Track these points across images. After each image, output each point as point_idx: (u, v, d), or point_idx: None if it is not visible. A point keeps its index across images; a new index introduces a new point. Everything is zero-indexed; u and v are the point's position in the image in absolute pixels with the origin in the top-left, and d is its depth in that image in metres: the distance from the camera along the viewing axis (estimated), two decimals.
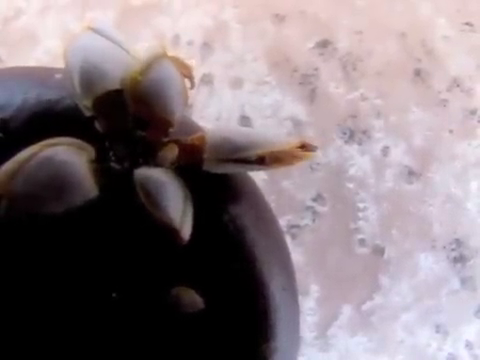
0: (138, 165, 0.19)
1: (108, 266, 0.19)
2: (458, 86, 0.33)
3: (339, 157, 0.32)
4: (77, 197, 0.18)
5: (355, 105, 0.33)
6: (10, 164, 0.18)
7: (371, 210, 0.32)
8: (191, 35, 0.34)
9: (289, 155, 0.20)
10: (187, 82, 0.20)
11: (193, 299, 0.19)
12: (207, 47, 0.33)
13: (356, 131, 0.32)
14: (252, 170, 0.21)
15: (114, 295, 0.19)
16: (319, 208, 0.32)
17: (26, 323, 0.19)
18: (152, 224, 0.18)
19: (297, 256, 0.31)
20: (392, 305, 0.31)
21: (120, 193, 0.19)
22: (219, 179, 0.20)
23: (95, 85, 0.19)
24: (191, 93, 0.21)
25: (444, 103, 0.33)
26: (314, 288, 0.31)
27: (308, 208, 0.32)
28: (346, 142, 0.32)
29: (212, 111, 0.33)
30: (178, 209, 0.18)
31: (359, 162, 0.32)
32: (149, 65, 0.19)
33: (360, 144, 0.32)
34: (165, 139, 0.20)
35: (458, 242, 0.32)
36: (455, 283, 0.31)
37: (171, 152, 0.19)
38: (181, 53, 0.33)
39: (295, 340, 0.23)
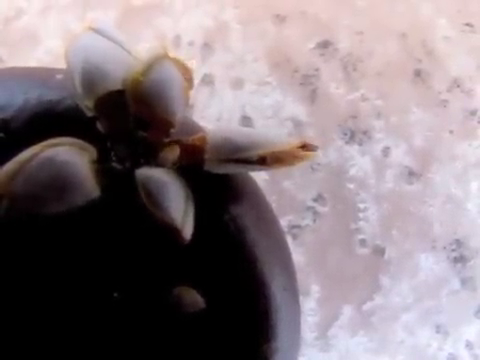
0: (139, 165, 0.19)
1: (110, 266, 0.19)
2: (458, 87, 0.33)
3: (340, 157, 0.32)
4: (78, 197, 0.18)
5: (356, 105, 0.33)
6: (11, 164, 0.18)
7: (371, 210, 0.32)
8: (192, 35, 0.34)
9: (290, 155, 0.20)
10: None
11: (194, 299, 0.19)
12: (208, 47, 0.33)
13: (357, 131, 0.32)
14: (253, 170, 0.21)
15: (116, 295, 0.19)
16: (320, 208, 0.32)
17: (27, 323, 0.19)
18: (153, 224, 0.18)
19: (298, 256, 0.31)
20: (392, 305, 0.31)
21: (122, 193, 0.19)
22: (220, 179, 0.20)
23: (96, 85, 0.19)
24: (192, 94, 0.21)
25: (444, 104, 0.33)
26: (315, 288, 0.31)
27: (309, 208, 0.32)
28: (347, 142, 0.32)
29: (213, 111, 0.33)
30: (179, 209, 0.18)
31: (360, 162, 0.32)
32: (150, 66, 0.19)
33: (361, 144, 0.32)
34: (166, 139, 0.20)
35: (458, 242, 0.32)
36: (455, 283, 0.31)
37: (172, 152, 0.19)
38: (182, 54, 0.33)
39: (296, 340, 0.23)
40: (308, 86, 0.33)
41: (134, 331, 0.19)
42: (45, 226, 0.18)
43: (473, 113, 0.33)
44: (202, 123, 0.24)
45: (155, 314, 0.19)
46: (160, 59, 0.20)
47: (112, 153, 0.19)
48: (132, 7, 0.34)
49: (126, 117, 0.19)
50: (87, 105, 0.19)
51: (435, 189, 0.32)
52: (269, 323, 0.20)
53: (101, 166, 0.19)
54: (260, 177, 0.30)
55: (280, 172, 0.31)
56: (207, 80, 0.33)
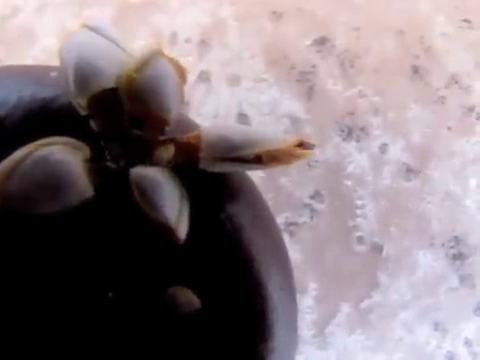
0: (134, 164, 0.19)
1: (104, 266, 0.19)
2: (456, 83, 0.33)
3: (337, 154, 0.32)
4: (72, 197, 0.18)
5: (353, 102, 0.33)
6: (6, 163, 0.18)
7: (369, 207, 0.32)
8: (188, 33, 0.33)
9: (287, 154, 0.20)
10: None
11: (190, 299, 0.19)
12: (204, 44, 0.33)
13: (354, 128, 0.32)
14: (249, 169, 0.21)
15: (110, 295, 0.19)
16: (317, 205, 0.32)
17: (22, 323, 0.19)
18: (148, 223, 0.18)
19: (295, 254, 0.31)
20: (390, 303, 0.31)
21: (116, 192, 0.19)
22: (216, 178, 0.20)
23: (90, 83, 0.19)
24: (188, 91, 0.21)
25: (442, 100, 0.33)
26: (312, 286, 0.31)
27: (306, 205, 0.32)
28: (344, 139, 0.32)
29: (209, 108, 0.32)
30: (174, 208, 0.18)
31: (357, 159, 0.32)
32: (144, 63, 0.19)
33: (358, 141, 0.32)
34: (161, 138, 0.20)
35: (457, 239, 0.32)
36: (454, 281, 0.31)
37: (167, 151, 0.19)
38: (178, 51, 0.33)
39: (293, 339, 0.23)
40: (305, 83, 0.33)
41: (129, 331, 0.19)
42: (39, 225, 0.18)
43: (471, 109, 0.33)
44: (198, 120, 0.23)
45: (150, 314, 0.19)
46: (154, 56, 0.19)
47: (106, 152, 0.19)
48: (128, 4, 0.34)
49: (120, 115, 0.19)
50: (81, 103, 0.19)
51: (433, 186, 0.32)
52: (266, 323, 0.20)
53: (95, 165, 0.19)
54: (256, 174, 0.30)
55: (277, 169, 0.31)
56: (204, 77, 0.33)
